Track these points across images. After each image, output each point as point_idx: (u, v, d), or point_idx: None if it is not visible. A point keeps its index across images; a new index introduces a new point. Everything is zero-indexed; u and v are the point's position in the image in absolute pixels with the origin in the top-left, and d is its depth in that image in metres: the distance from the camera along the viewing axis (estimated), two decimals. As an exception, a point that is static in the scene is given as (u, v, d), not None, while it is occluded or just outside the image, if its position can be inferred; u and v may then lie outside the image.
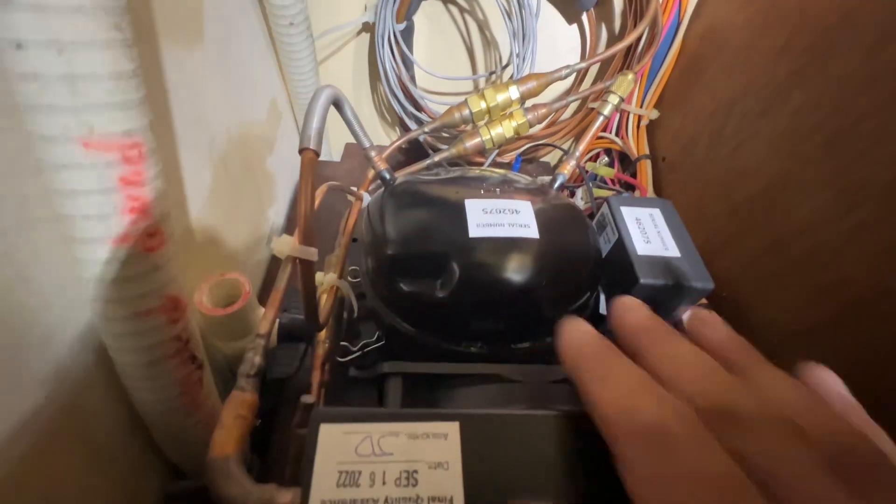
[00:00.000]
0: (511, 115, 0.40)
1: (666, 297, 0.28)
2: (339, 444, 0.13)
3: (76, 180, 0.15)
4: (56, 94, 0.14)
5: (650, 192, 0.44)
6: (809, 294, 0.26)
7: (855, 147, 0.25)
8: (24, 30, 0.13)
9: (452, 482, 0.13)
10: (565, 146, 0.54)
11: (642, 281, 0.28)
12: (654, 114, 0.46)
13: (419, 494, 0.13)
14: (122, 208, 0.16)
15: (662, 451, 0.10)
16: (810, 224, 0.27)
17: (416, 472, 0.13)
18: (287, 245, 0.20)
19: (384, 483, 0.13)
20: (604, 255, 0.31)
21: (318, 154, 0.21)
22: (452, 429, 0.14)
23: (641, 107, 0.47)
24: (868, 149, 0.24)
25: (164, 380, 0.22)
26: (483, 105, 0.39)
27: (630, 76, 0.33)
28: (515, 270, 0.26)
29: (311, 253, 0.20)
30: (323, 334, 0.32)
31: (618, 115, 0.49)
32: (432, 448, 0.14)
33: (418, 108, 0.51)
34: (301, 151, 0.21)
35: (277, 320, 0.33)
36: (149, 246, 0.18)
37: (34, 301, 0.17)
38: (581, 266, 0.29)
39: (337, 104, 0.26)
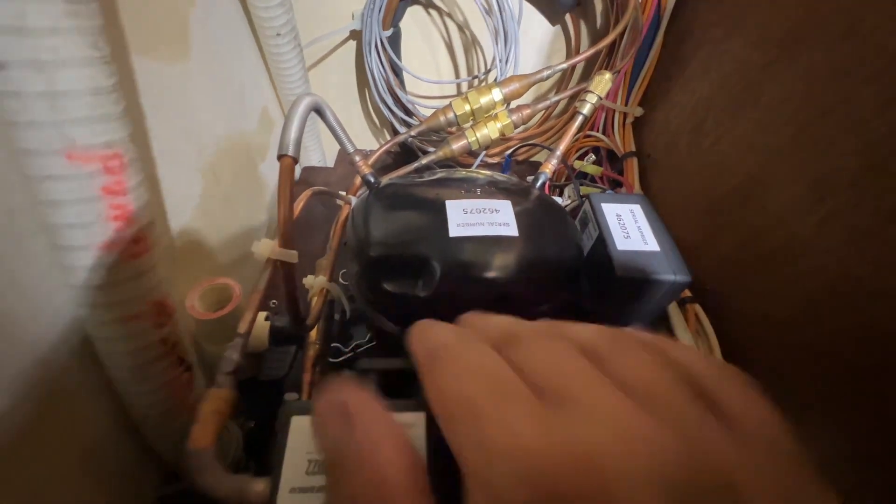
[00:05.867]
0: (496, 117, 0.41)
1: (645, 290, 0.29)
2: (308, 434, 0.14)
3: (60, 191, 0.16)
4: (37, 110, 0.15)
5: (637, 189, 0.44)
6: (783, 285, 0.27)
7: (822, 139, 0.25)
8: (5, 51, 0.14)
9: (417, 468, 0.14)
10: (553, 146, 0.54)
11: (620, 275, 0.28)
12: (639, 111, 0.46)
13: (384, 480, 0.13)
14: (105, 216, 0.17)
15: (442, 358, 0.11)
16: (783, 216, 0.27)
17: (381, 459, 0.14)
18: (267, 248, 0.20)
19: (351, 470, 0.13)
20: (586, 251, 0.32)
21: (296, 160, 0.22)
22: (419, 419, 0.15)
23: (626, 104, 0.47)
24: (834, 140, 0.24)
25: (152, 382, 0.22)
26: (467, 108, 0.40)
27: (607, 76, 0.33)
28: (495, 268, 0.27)
29: (291, 255, 0.21)
30: (313, 336, 0.33)
31: (604, 114, 0.50)
32: (398, 437, 0.14)
33: (408, 112, 0.52)
34: (279, 158, 0.22)
35: (269, 323, 0.33)
36: (133, 252, 0.19)
37: (24, 307, 0.18)
38: (561, 262, 0.29)
39: (318, 111, 0.27)
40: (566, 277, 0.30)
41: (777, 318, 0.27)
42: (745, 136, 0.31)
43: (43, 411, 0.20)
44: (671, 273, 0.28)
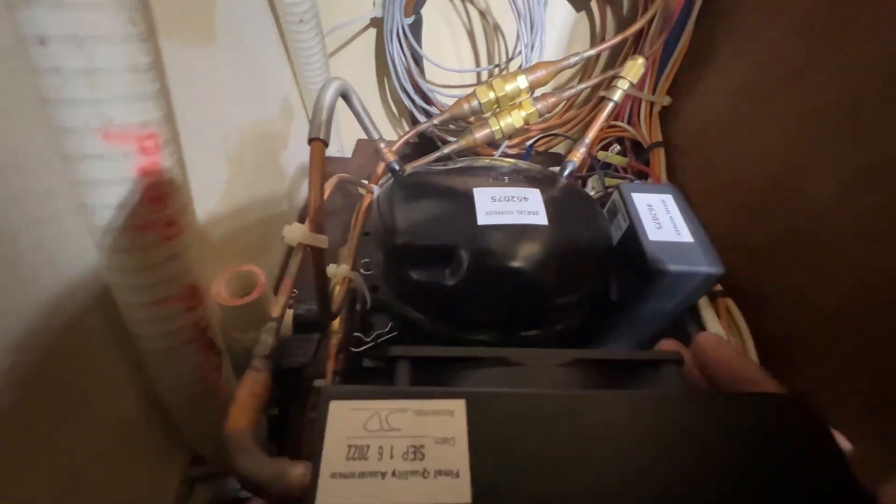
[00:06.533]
0: (520, 105, 0.40)
1: (678, 283, 0.28)
2: (348, 420, 0.14)
3: (97, 170, 0.16)
4: (76, 87, 0.15)
5: (664, 180, 0.43)
6: (824, 278, 0.25)
7: (872, 126, 0.24)
8: (46, 25, 0.14)
9: (459, 456, 0.13)
10: (579, 135, 0.53)
11: (653, 268, 0.27)
12: (667, 100, 0.45)
13: (426, 468, 0.13)
14: (141, 197, 0.17)
15: None
16: (826, 207, 0.26)
17: (422, 446, 0.13)
18: (298, 233, 0.20)
19: (392, 457, 0.13)
20: (615, 242, 0.31)
21: (326, 144, 0.22)
22: (458, 406, 0.14)
23: (654, 93, 0.46)
24: (885, 127, 0.23)
25: (184, 365, 0.22)
26: (492, 95, 0.39)
27: (640, 60, 0.32)
28: (524, 257, 0.26)
29: (322, 240, 0.20)
30: (336, 324, 0.33)
31: (630, 103, 0.49)
32: (439, 424, 0.14)
33: (428, 101, 0.52)
34: (310, 142, 0.22)
35: (292, 311, 0.33)
36: (167, 234, 0.19)
37: (60, 287, 0.18)
38: (590, 253, 0.29)
39: (345, 96, 0.27)
40: (596, 268, 0.29)
41: (817, 312, 0.26)
42: (784, 124, 0.30)
43: (82, 390, 0.20)
44: (706, 265, 0.27)
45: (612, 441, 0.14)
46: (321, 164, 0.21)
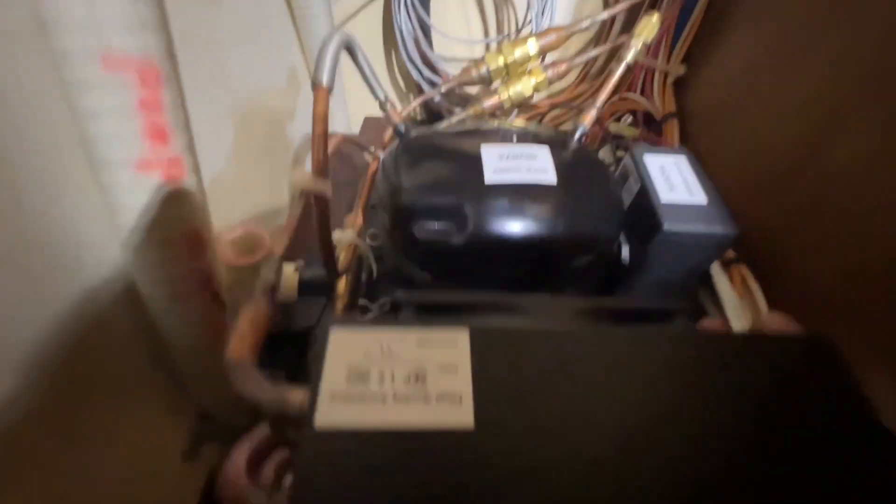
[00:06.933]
0: (530, 72, 0.39)
1: (692, 244, 0.27)
2: (348, 346, 0.13)
3: (97, 99, 0.16)
4: (76, 11, 0.14)
5: (677, 151, 0.42)
6: (854, 251, 0.24)
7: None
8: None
9: (462, 382, 0.13)
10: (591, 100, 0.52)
11: (665, 228, 0.27)
12: (682, 69, 0.44)
13: (427, 393, 0.13)
14: (142, 132, 0.17)
15: None
16: (854, 177, 0.25)
17: (425, 372, 0.13)
18: (304, 176, 0.20)
19: (393, 380, 0.13)
20: (627, 204, 0.30)
21: (330, 90, 0.21)
22: (462, 335, 0.14)
23: (668, 62, 0.44)
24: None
25: (187, 314, 0.22)
26: (501, 62, 0.38)
27: (655, 17, 0.31)
28: (532, 215, 0.26)
29: (325, 185, 0.20)
30: (342, 288, 0.33)
31: (643, 74, 0.47)
32: (441, 353, 0.14)
33: (436, 72, 0.51)
34: (314, 88, 0.21)
35: (298, 274, 0.33)
36: (169, 174, 0.19)
37: (67, 227, 0.18)
38: (600, 213, 0.28)
39: (349, 49, 0.26)
40: (605, 229, 0.28)
41: (849, 287, 0.25)
42: (806, 92, 0.28)
43: (79, 338, 0.20)
44: (720, 225, 0.26)
45: (621, 374, 0.14)
46: (325, 113, 0.21)
